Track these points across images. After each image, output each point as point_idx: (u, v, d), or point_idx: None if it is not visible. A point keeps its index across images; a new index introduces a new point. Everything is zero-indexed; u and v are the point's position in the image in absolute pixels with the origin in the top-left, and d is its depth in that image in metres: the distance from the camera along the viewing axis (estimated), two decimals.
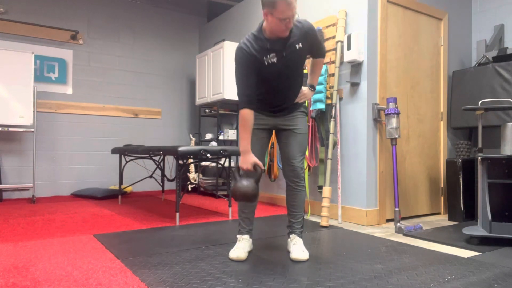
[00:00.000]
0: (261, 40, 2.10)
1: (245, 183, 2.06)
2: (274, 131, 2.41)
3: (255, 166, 2.13)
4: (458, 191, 3.54)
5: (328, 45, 3.72)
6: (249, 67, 2.09)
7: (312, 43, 2.21)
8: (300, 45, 2.14)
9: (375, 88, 3.42)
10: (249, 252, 2.36)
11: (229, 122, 5.51)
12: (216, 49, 5.07)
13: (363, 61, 3.39)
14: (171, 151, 3.17)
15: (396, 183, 3.17)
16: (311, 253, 2.35)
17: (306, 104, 3.77)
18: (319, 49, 2.29)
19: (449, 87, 4.07)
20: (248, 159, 2.11)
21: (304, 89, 2.35)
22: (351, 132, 3.50)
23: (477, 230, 2.69)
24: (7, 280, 1.85)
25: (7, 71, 4.37)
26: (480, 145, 2.80)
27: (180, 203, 4.54)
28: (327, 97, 3.64)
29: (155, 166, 5.62)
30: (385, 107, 3.27)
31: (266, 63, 2.12)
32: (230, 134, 5.00)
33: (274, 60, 2.12)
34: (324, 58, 2.36)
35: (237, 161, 4.86)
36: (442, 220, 3.64)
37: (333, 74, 3.63)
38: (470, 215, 3.56)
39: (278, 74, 2.16)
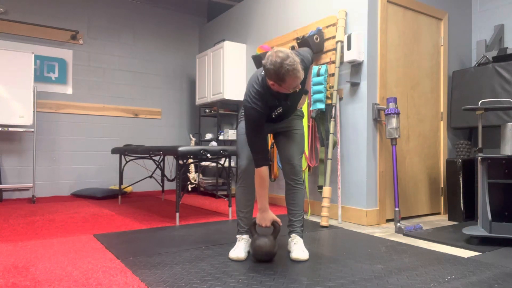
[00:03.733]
0: (268, 97, 2.08)
1: (266, 241, 2.12)
2: (272, 135, 2.45)
3: (273, 223, 2.19)
4: (458, 191, 3.54)
5: (328, 45, 3.72)
6: (261, 124, 2.09)
7: (307, 68, 2.23)
8: (300, 85, 2.13)
9: (375, 88, 3.42)
10: (249, 252, 2.36)
11: (229, 122, 5.52)
12: (216, 49, 5.07)
13: (363, 61, 3.39)
14: (171, 151, 3.17)
15: (396, 183, 3.17)
16: (311, 253, 2.35)
17: (306, 105, 3.78)
18: (310, 62, 2.24)
19: (449, 87, 4.07)
20: (267, 217, 2.17)
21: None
22: (351, 132, 3.50)
23: (477, 230, 2.69)
24: (7, 280, 1.85)
25: (7, 71, 4.37)
26: (480, 145, 2.80)
27: (180, 203, 4.54)
28: (327, 97, 3.64)
29: (155, 166, 5.61)
30: (385, 107, 3.27)
31: (273, 116, 2.20)
32: (230, 134, 5.00)
33: (280, 111, 2.19)
34: (312, 64, 2.35)
35: (237, 162, 4.86)
36: (442, 220, 3.64)
37: (333, 74, 3.63)
38: (470, 215, 3.56)
39: (282, 117, 2.26)
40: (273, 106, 2.14)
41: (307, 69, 2.23)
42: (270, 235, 2.16)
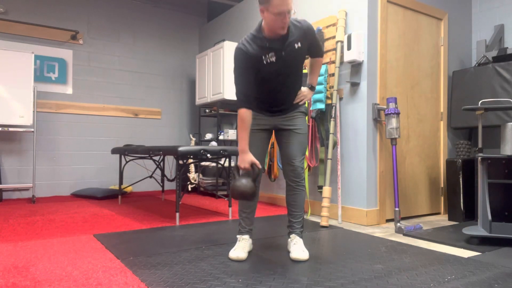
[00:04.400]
0: (260, 39, 2.10)
1: (243, 182, 2.08)
2: (274, 131, 2.41)
3: (252, 165, 2.14)
4: (458, 191, 3.54)
5: (328, 45, 3.72)
6: (248, 67, 2.10)
7: (311, 42, 2.22)
8: (299, 44, 2.14)
9: (375, 88, 3.42)
10: (249, 252, 2.36)
11: (229, 122, 5.52)
12: (216, 49, 5.07)
13: (363, 61, 3.39)
14: (171, 151, 3.17)
15: (396, 183, 3.17)
16: (311, 253, 2.35)
17: (306, 104, 3.78)
18: (318, 49, 2.30)
19: (449, 87, 4.07)
20: (246, 158, 2.13)
21: (304, 89, 2.34)
22: (351, 132, 3.50)
23: (477, 230, 2.69)
24: (7, 280, 1.85)
25: (7, 71, 4.37)
26: (480, 145, 2.80)
27: (180, 203, 4.54)
28: (327, 97, 3.64)
29: (155, 166, 5.61)
30: (385, 107, 3.27)
31: (265, 62, 2.12)
32: (230, 134, 5.00)
33: (273, 59, 2.12)
34: (322, 57, 2.37)
35: (237, 161, 4.86)
36: (442, 220, 3.64)
37: (333, 74, 3.63)
38: (470, 215, 3.56)
39: (277, 73, 2.16)
40: (264, 48, 2.09)
41: (314, 36, 2.20)
42: (248, 177, 2.12)
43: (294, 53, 2.14)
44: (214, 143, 5.05)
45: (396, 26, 3.60)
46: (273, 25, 2.01)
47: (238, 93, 2.12)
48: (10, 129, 4.43)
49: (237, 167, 2.18)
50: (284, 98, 2.25)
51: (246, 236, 2.34)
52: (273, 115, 2.30)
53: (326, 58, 3.74)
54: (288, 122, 2.30)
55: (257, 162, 2.14)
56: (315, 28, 3.85)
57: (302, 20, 2.18)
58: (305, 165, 3.72)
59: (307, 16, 4.03)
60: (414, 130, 3.74)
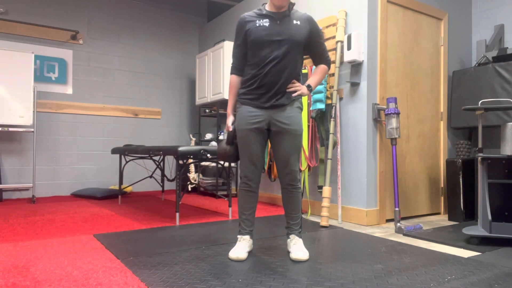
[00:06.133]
0: (260, 10, 2.28)
1: (223, 146, 2.39)
2: (269, 132, 2.35)
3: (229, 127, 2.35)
4: (458, 191, 3.54)
5: (328, 45, 3.72)
6: (241, 34, 2.27)
7: (313, 31, 2.28)
8: (299, 23, 2.24)
9: (375, 88, 3.42)
10: (249, 252, 2.36)
11: None
12: (216, 49, 5.07)
13: (363, 61, 3.39)
14: (171, 151, 3.17)
15: (396, 183, 3.17)
16: (311, 253, 2.35)
17: (306, 105, 3.78)
18: (323, 52, 2.34)
19: (449, 87, 4.07)
20: (227, 122, 2.37)
21: (298, 83, 2.28)
22: (351, 132, 3.50)
23: (477, 230, 2.69)
24: (7, 280, 1.85)
25: (7, 71, 4.37)
26: (480, 145, 2.80)
27: (180, 203, 4.54)
28: (327, 97, 3.64)
29: (155, 166, 5.62)
30: (385, 107, 3.27)
31: (257, 24, 2.21)
32: None
33: (266, 24, 2.22)
34: (329, 66, 2.39)
35: (237, 161, 4.85)
36: (442, 220, 3.64)
37: (333, 74, 3.63)
38: (470, 215, 3.56)
39: (268, 40, 2.17)
40: (260, 15, 2.25)
41: (317, 28, 2.32)
42: (235, 141, 2.38)
43: (290, 27, 2.21)
44: (214, 143, 5.05)
45: (396, 26, 3.60)
46: (275, 1, 2.17)
47: (232, 60, 2.35)
48: (10, 129, 4.43)
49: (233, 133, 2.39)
50: (276, 80, 2.17)
51: (247, 237, 2.33)
52: (268, 107, 2.21)
53: None
54: (284, 120, 2.21)
55: (229, 125, 2.34)
56: None
57: (305, 13, 2.32)
58: (305, 165, 3.72)
59: None
60: (414, 130, 3.74)
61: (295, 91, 2.24)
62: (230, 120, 2.36)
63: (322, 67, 2.36)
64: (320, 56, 2.34)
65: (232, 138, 2.38)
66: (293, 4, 2.27)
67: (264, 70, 2.18)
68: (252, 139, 2.24)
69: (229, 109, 2.36)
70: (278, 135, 2.25)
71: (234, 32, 2.29)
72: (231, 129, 2.36)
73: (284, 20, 2.21)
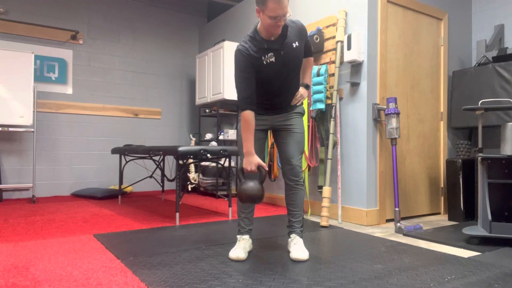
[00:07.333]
0: (257, 41, 2.11)
1: (251, 185, 2.07)
2: (271, 132, 2.42)
3: (259, 167, 2.14)
4: (458, 191, 3.54)
5: (328, 45, 3.72)
6: (248, 68, 2.10)
7: (306, 41, 2.27)
8: (297, 43, 2.18)
9: (375, 88, 3.42)
10: (249, 252, 2.36)
11: (229, 122, 5.51)
12: (216, 49, 5.07)
13: (363, 61, 3.39)
14: (171, 151, 3.17)
15: (396, 183, 3.17)
16: (311, 253, 2.35)
17: (306, 105, 3.78)
18: (309, 49, 2.36)
19: (449, 87, 4.07)
20: (252, 160, 2.12)
21: (300, 89, 2.37)
22: (351, 132, 3.50)
23: (477, 230, 2.69)
24: (7, 280, 1.85)
25: (7, 71, 4.37)
26: (480, 145, 2.80)
27: (180, 203, 4.54)
28: (327, 97, 3.64)
29: (155, 166, 5.62)
30: (385, 107, 3.27)
31: (264, 62, 2.13)
32: (230, 134, 5.00)
33: (273, 59, 2.13)
34: (313, 57, 2.40)
35: (237, 161, 4.86)
36: (442, 220, 3.64)
37: (333, 74, 3.63)
38: (470, 215, 3.56)
39: (277, 73, 2.17)
40: (263, 49, 2.11)
41: (307, 35, 2.25)
42: (255, 180, 2.12)
43: (293, 52, 2.16)
44: (214, 143, 5.05)
45: (396, 26, 3.60)
46: (269, 26, 2.03)
47: (240, 95, 2.11)
48: (10, 129, 4.43)
49: (242, 170, 2.17)
50: (282, 100, 2.27)
51: (246, 236, 2.34)
52: (271, 115, 2.32)
53: (326, 58, 3.74)
54: (285, 122, 2.32)
55: (263, 164, 2.15)
56: (315, 28, 3.86)
57: (296, 20, 2.23)
58: (305, 165, 3.72)
59: (307, 16, 4.03)
60: (414, 130, 3.74)
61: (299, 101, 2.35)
62: (256, 158, 2.13)
63: (310, 60, 2.40)
64: (307, 52, 2.36)
65: (264, 177, 2.15)
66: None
67: (271, 98, 2.25)
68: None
69: (251, 147, 2.12)
70: (280, 133, 2.34)
71: (235, 62, 2.13)
72: (266, 168, 2.17)
73: (285, 47, 2.14)
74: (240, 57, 2.10)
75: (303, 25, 2.23)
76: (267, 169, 2.18)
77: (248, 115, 2.10)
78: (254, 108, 2.13)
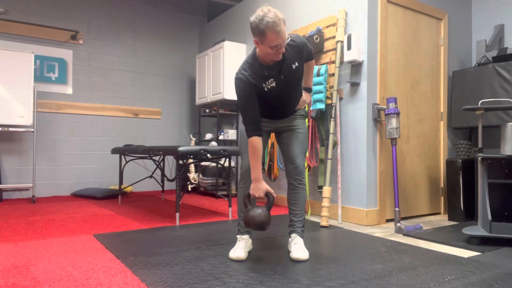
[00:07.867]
0: (256, 68, 2.11)
1: (259, 212, 2.07)
2: (273, 133, 2.44)
3: (267, 193, 2.14)
4: (458, 191, 3.54)
5: (328, 45, 3.72)
6: (250, 94, 2.11)
7: (306, 55, 2.27)
8: (296, 64, 2.17)
9: (375, 88, 3.42)
10: (249, 252, 2.36)
11: (229, 122, 5.52)
12: (216, 49, 5.07)
13: (363, 61, 3.39)
14: (171, 151, 3.17)
15: (396, 183, 3.17)
16: (311, 253, 2.35)
17: (307, 106, 3.78)
18: (310, 54, 2.35)
19: (449, 87, 4.07)
20: (261, 187, 2.12)
21: (303, 95, 2.40)
22: (351, 132, 3.50)
23: (477, 230, 2.69)
24: (7, 280, 1.85)
25: (7, 71, 4.37)
26: (480, 145, 2.80)
27: (180, 203, 4.54)
28: (327, 97, 3.64)
29: (155, 166, 5.62)
30: (385, 107, 3.27)
31: (266, 89, 2.15)
32: (230, 134, 5.00)
33: (273, 84, 2.15)
34: (314, 59, 2.40)
35: (237, 161, 4.86)
36: (442, 220, 3.64)
37: (333, 74, 3.63)
38: (470, 215, 3.56)
39: (278, 96, 2.20)
40: (263, 76, 2.12)
41: (308, 48, 2.24)
42: (263, 206, 2.11)
43: (293, 73, 2.18)
44: (214, 143, 5.05)
45: (396, 26, 3.60)
46: (268, 55, 2.03)
47: (246, 122, 2.11)
48: (10, 129, 4.43)
49: (248, 195, 2.17)
50: (286, 110, 2.31)
51: (246, 236, 2.34)
52: (275, 120, 2.36)
53: (326, 58, 3.74)
54: (288, 124, 2.35)
55: (271, 190, 2.15)
56: (315, 28, 3.86)
57: (295, 36, 2.19)
58: (305, 165, 3.72)
59: (307, 16, 4.03)
60: (414, 130, 3.74)
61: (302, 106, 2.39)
62: (265, 185, 2.13)
63: (311, 63, 2.40)
64: (308, 56, 2.35)
65: (273, 204, 2.14)
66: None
67: (275, 110, 2.29)
68: None
69: (259, 174, 2.12)
70: (283, 134, 2.37)
71: (236, 90, 2.13)
72: (275, 195, 2.16)
73: (285, 70, 2.14)
74: (241, 84, 2.10)
75: (304, 41, 2.20)
76: (275, 195, 2.17)
77: (256, 141, 2.10)
78: (261, 134, 2.12)
